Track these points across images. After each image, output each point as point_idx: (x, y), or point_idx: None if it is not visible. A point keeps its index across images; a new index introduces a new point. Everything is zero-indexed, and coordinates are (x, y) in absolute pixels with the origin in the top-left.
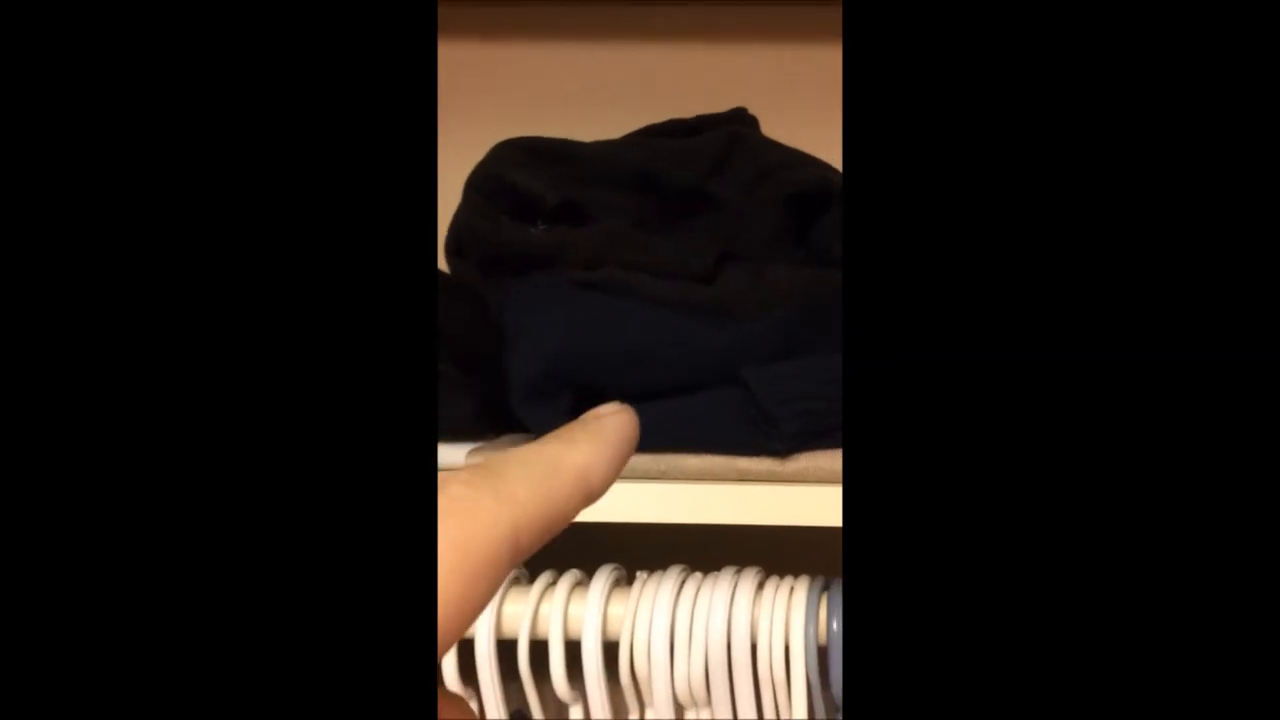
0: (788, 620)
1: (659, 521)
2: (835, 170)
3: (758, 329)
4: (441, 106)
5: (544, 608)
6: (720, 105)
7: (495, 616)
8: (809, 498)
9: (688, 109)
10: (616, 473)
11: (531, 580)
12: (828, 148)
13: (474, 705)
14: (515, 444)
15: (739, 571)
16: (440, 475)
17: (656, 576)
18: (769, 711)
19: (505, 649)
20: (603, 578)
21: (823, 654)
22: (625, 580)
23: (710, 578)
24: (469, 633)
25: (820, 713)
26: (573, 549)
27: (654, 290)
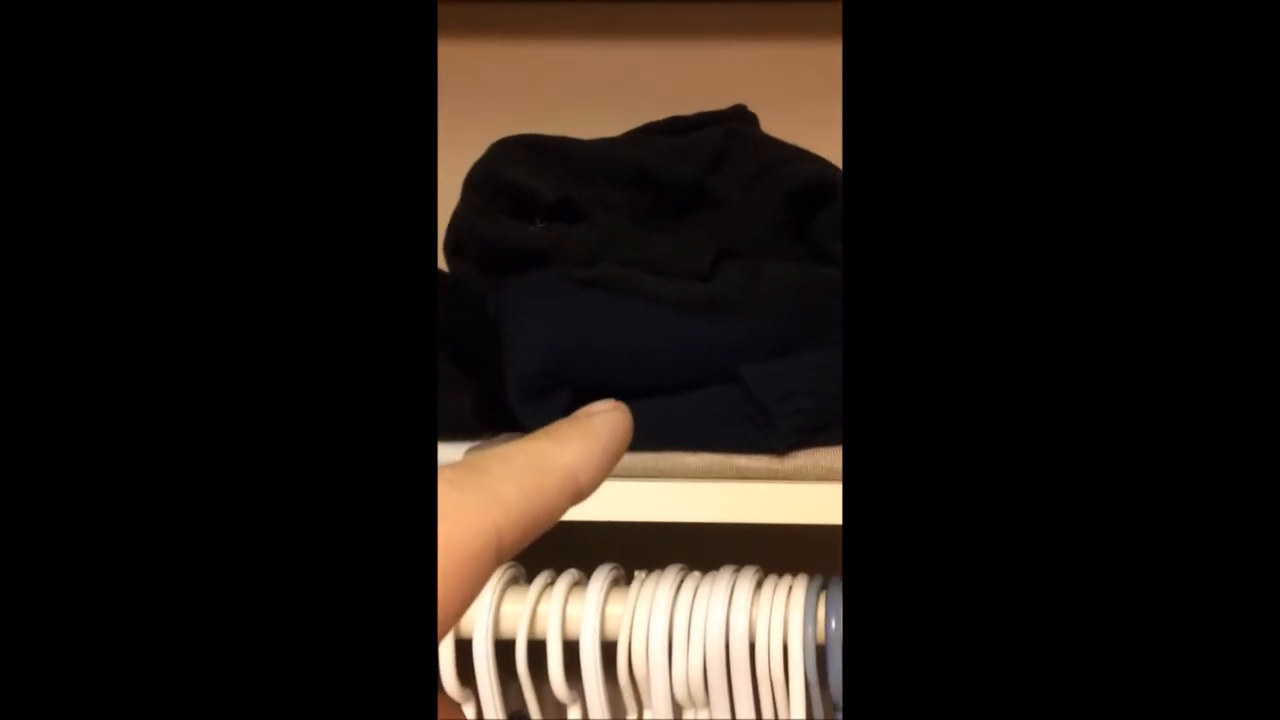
0: (786, 619)
1: (657, 520)
2: (834, 166)
3: (755, 326)
4: (439, 105)
5: (542, 607)
6: (720, 103)
7: (493, 617)
8: (808, 495)
9: (688, 106)
10: (607, 471)
11: (529, 580)
12: (827, 144)
13: (472, 706)
14: (523, 437)
15: (737, 571)
16: None
17: (654, 576)
18: (767, 711)
19: (503, 649)
20: (601, 577)
21: (821, 653)
22: (624, 580)
23: (708, 577)
24: (466, 633)
25: (818, 712)
26: (571, 548)
27: (652, 287)
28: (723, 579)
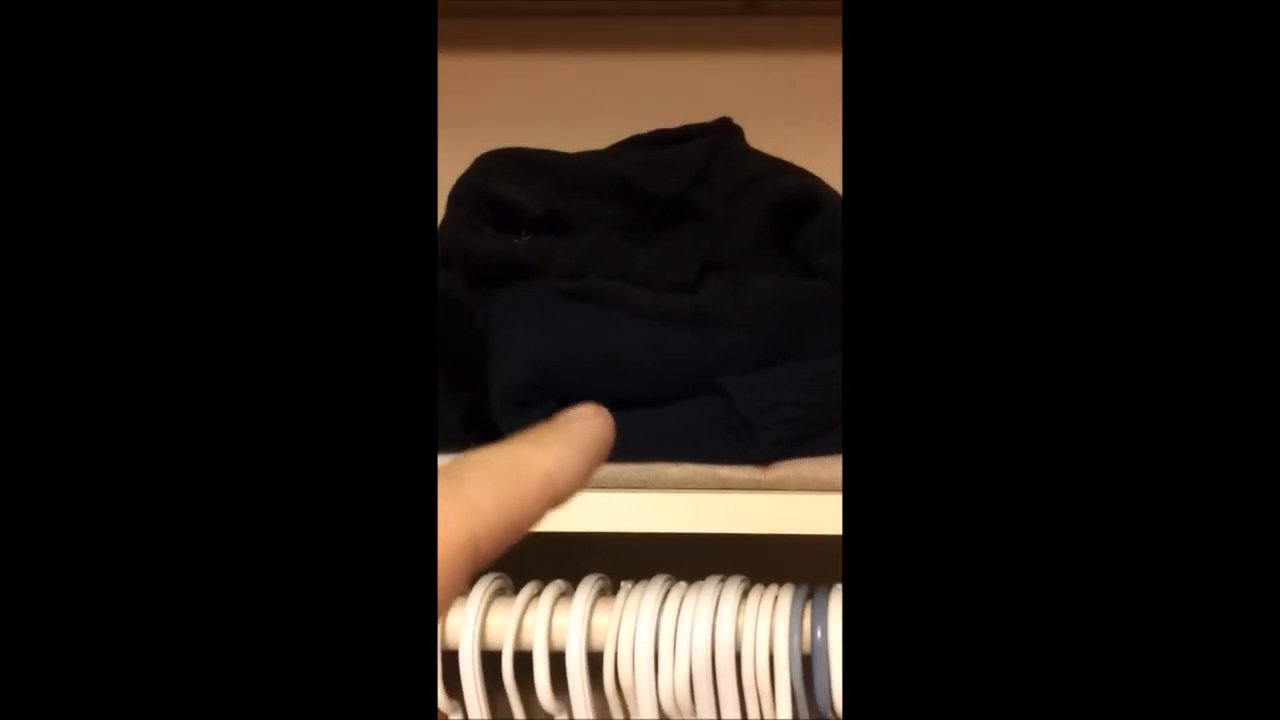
0: (772, 629)
1: (642, 530)
2: (818, 179)
3: (740, 338)
4: None
5: (528, 618)
6: (707, 116)
7: (479, 628)
8: (791, 505)
9: (674, 120)
10: (586, 476)
11: (516, 591)
12: (815, 158)
13: (459, 717)
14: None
15: (723, 581)
16: None
17: (640, 586)
18: None
19: (490, 661)
20: (587, 588)
21: (807, 662)
22: (610, 590)
23: (694, 587)
24: (453, 644)
25: None
26: (557, 559)
27: (637, 300)
28: (708, 589)
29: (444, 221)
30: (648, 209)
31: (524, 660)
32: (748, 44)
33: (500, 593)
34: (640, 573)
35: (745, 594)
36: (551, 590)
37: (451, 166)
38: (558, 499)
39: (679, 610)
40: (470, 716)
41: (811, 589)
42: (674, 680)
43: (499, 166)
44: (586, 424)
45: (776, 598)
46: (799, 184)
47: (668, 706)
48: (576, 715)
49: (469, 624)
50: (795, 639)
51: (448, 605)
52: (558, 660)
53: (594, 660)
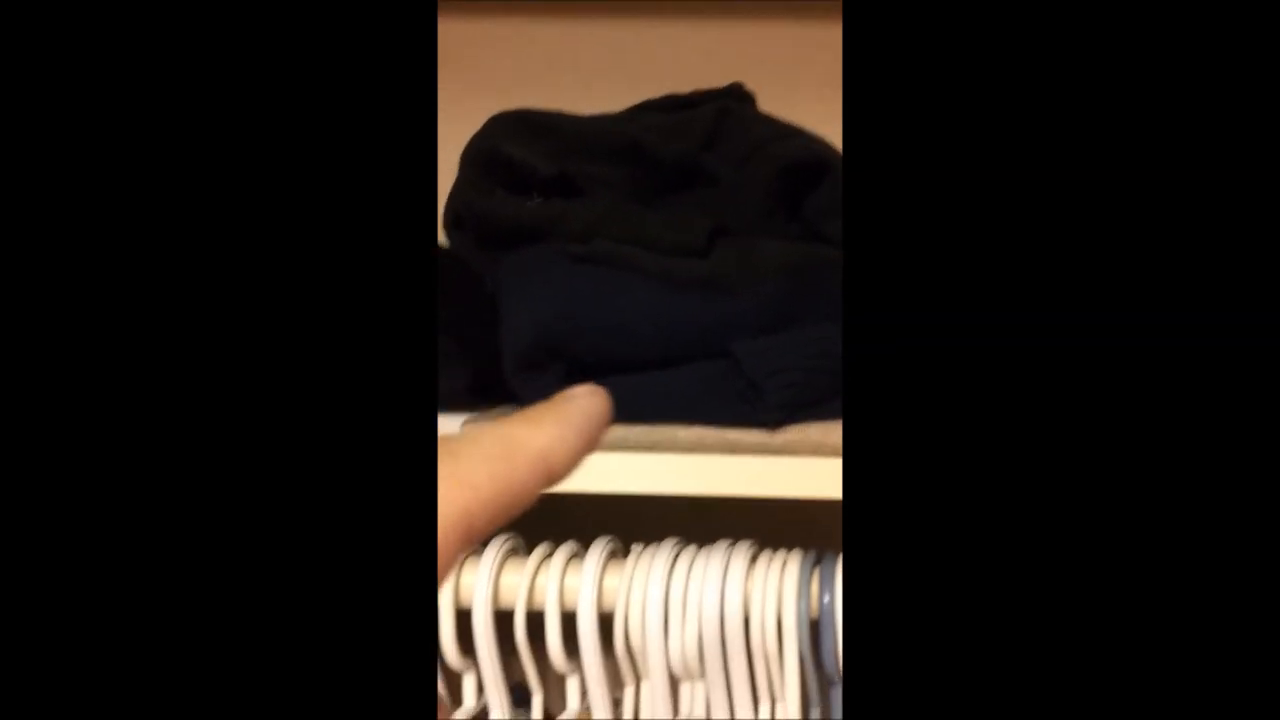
0: (780, 594)
1: (652, 492)
2: (827, 144)
3: (749, 303)
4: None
5: (540, 579)
6: (720, 82)
7: (492, 587)
8: (799, 469)
9: (687, 85)
10: (582, 455)
11: (528, 552)
12: (826, 124)
13: (473, 675)
14: (509, 415)
15: (732, 545)
16: None
17: (651, 549)
18: (762, 683)
19: (503, 621)
20: (598, 550)
21: (814, 627)
22: (621, 552)
23: (704, 551)
24: (466, 603)
25: (813, 685)
26: (569, 521)
27: (647, 264)
28: (718, 553)
29: (456, 183)
30: (657, 174)
31: (537, 621)
32: (760, 9)
33: (513, 553)
34: (650, 535)
35: (754, 559)
36: (563, 551)
37: (463, 131)
38: (552, 478)
39: (689, 574)
40: (484, 676)
41: (819, 554)
42: (684, 643)
43: (510, 128)
44: (582, 403)
45: (785, 563)
46: (808, 149)
47: (678, 668)
48: (588, 676)
49: (482, 583)
50: (802, 605)
51: (443, 577)
52: (570, 621)
53: (605, 622)
